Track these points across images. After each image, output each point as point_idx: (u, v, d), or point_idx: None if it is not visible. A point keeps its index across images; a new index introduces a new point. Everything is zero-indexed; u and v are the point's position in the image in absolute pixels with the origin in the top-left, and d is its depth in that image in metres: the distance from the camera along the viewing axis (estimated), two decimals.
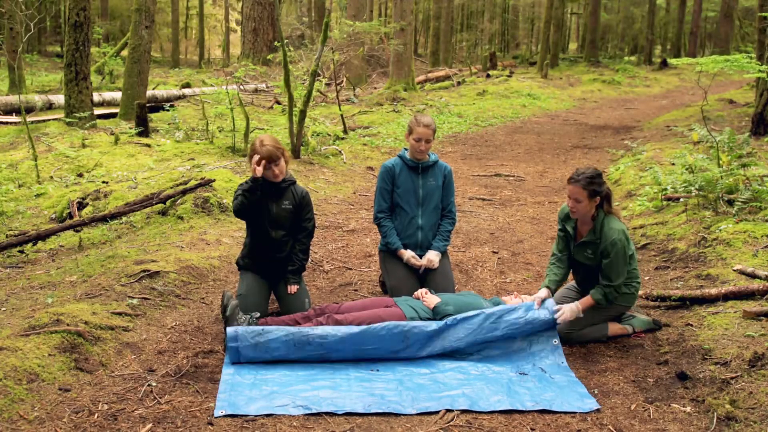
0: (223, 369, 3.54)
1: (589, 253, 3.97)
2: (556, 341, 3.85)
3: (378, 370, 3.62)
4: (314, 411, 3.17)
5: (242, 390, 3.32)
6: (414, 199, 4.60)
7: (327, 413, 3.16)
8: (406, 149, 4.67)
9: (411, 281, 4.52)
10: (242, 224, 6.10)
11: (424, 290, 4.21)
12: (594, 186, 3.82)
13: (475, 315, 3.84)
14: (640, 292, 4.46)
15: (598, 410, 3.27)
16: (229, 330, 3.62)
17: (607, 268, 3.86)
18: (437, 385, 3.50)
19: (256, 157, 4.10)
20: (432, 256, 4.55)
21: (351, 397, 3.31)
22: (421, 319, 3.94)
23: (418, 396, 3.36)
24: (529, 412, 3.23)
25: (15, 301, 4.22)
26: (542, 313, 3.88)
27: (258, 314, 3.93)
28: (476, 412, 3.24)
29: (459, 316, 3.84)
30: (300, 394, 3.31)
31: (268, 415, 3.11)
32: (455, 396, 3.37)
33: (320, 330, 3.65)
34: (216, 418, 3.06)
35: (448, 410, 3.24)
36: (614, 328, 4.07)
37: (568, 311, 3.88)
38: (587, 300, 3.94)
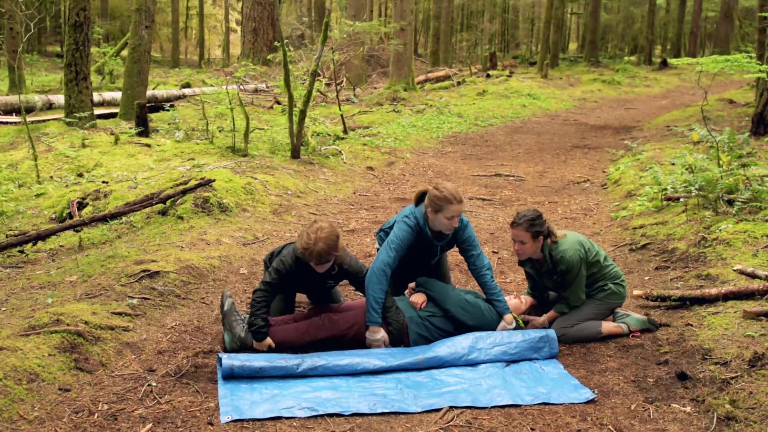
0: (218, 375, 3.51)
1: (555, 279, 4.15)
2: (544, 335, 3.87)
3: None
4: (321, 413, 3.16)
5: (242, 394, 3.30)
6: (420, 258, 4.23)
7: (329, 414, 3.16)
8: (424, 215, 4.00)
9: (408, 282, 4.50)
10: (242, 224, 6.10)
11: (418, 295, 4.14)
12: (536, 227, 4.00)
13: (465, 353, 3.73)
14: (640, 292, 4.47)
15: (593, 400, 3.31)
16: (225, 365, 3.44)
17: (572, 288, 4.07)
18: (435, 382, 3.52)
19: (267, 343, 3.77)
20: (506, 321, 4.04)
21: (354, 398, 3.31)
22: (420, 318, 3.95)
23: (419, 394, 3.37)
24: (528, 411, 3.23)
25: (15, 301, 4.22)
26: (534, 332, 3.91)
27: None
28: (479, 408, 3.25)
29: (447, 356, 3.71)
30: (303, 396, 3.30)
31: (274, 418, 3.11)
32: (456, 392, 3.40)
33: (312, 366, 3.54)
34: (225, 424, 3.04)
35: (452, 407, 3.25)
36: (608, 326, 4.09)
37: (538, 327, 4.13)
38: (550, 313, 4.18)
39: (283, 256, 3.88)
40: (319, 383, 3.44)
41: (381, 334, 3.83)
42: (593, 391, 3.39)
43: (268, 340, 3.75)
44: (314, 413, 3.15)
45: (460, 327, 3.97)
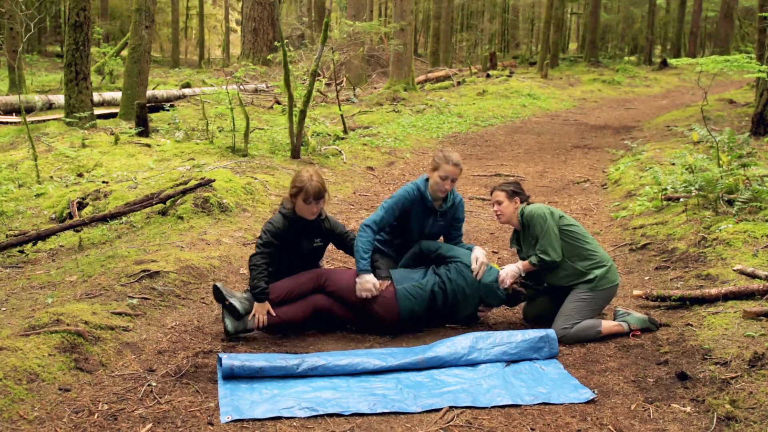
0: (218, 375, 3.51)
1: (531, 240, 4.22)
2: (544, 335, 3.87)
3: None
4: (321, 413, 3.16)
5: (242, 394, 3.30)
6: (417, 234, 4.44)
7: (329, 413, 3.17)
8: (426, 180, 4.34)
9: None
10: (242, 224, 6.10)
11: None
12: (510, 187, 4.24)
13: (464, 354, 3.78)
14: (640, 292, 4.47)
15: (594, 400, 3.31)
16: (225, 365, 3.47)
17: (540, 242, 4.12)
18: (435, 382, 3.53)
19: (264, 308, 3.98)
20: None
21: (354, 398, 3.31)
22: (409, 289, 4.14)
23: (419, 394, 3.38)
24: (528, 411, 3.23)
25: (15, 301, 4.22)
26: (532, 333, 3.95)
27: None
28: (479, 408, 3.25)
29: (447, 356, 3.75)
30: (303, 396, 3.30)
31: (274, 418, 3.11)
32: (456, 392, 3.40)
33: (312, 366, 3.58)
34: (225, 424, 3.04)
35: (452, 407, 3.24)
36: (608, 325, 4.09)
37: (509, 273, 4.22)
38: (526, 264, 4.23)
39: (269, 220, 4.11)
40: (319, 383, 3.44)
41: (371, 278, 4.06)
42: (593, 391, 3.39)
43: (268, 305, 3.97)
44: (314, 413, 3.15)
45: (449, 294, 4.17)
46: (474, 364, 3.70)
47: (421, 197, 4.29)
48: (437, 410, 3.23)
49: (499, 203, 4.23)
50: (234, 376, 3.42)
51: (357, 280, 4.07)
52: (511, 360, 3.78)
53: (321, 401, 3.26)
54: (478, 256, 4.25)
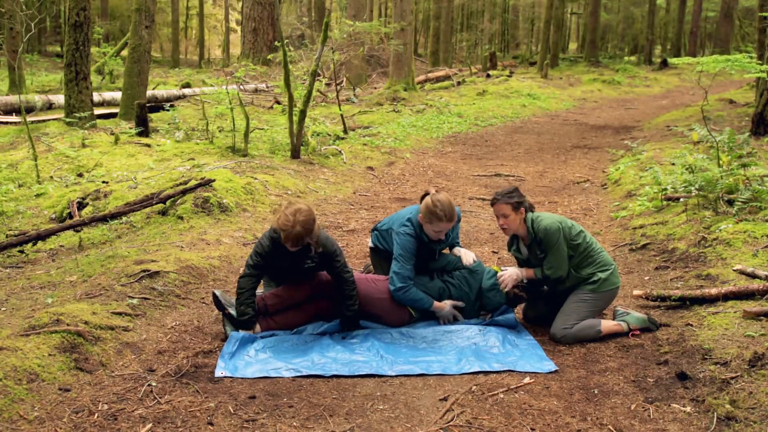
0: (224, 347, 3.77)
1: (539, 253, 4.17)
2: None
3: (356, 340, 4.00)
4: (304, 374, 3.53)
5: (240, 357, 3.71)
6: (426, 271, 4.38)
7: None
8: (418, 222, 4.20)
9: None
10: (242, 224, 6.11)
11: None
12: (514, 198, 4.09)
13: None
14: (640, 292, 4.47)
15: (556, 371, 3.63)
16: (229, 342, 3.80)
17: (548, 259, 4.10)
18: (413, 351, 3.86)
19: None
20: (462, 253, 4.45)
21: (336, 364, 3.64)
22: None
23: (396, 360, 3.71)
24: (529, 411, 3.24)
25: (15, 301, 4.22)
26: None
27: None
28: (449, 375, 3.58)
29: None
30: (291, 360, 3.67)
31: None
32: (430, 362, 3.71)
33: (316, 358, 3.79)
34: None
35: (423, 374, 3.58)
36: (608, 325, 4.09)
37: (511, 277, 4.22)
38: (529, 271, 4.23)
39: (260, 239, 4.04)
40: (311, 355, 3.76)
41: (446, 305, 4.22)
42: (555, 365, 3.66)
43: (257, 327, 4.00)
44: (298, 374, 3.51)
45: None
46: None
47: (419, 237, 4.20)
48: (413, 375, 3.56)
49: (506, 216, 4.09)
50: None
51: (437, 313, 4.24)
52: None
53: (307, 365, 3.60)
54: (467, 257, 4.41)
